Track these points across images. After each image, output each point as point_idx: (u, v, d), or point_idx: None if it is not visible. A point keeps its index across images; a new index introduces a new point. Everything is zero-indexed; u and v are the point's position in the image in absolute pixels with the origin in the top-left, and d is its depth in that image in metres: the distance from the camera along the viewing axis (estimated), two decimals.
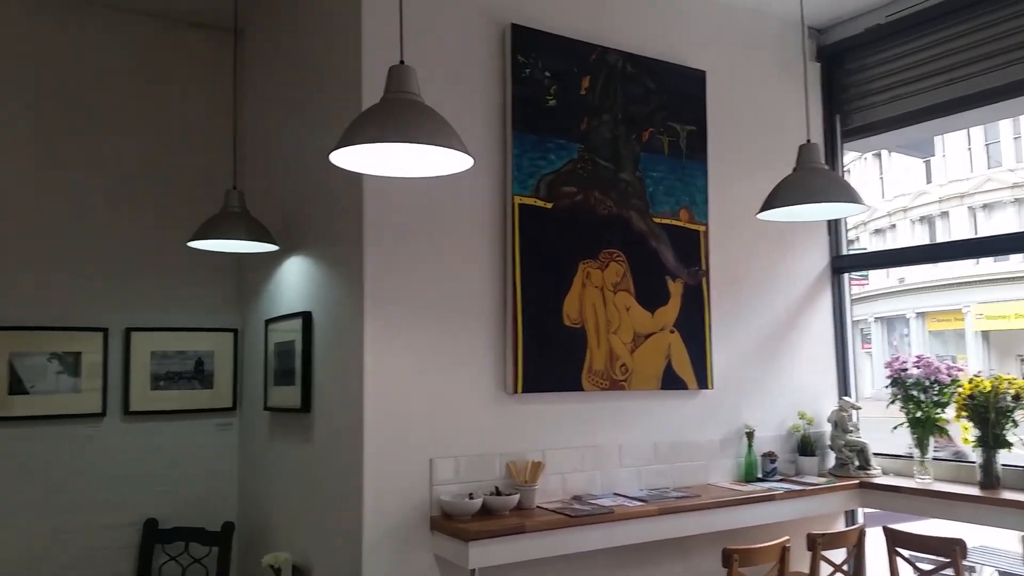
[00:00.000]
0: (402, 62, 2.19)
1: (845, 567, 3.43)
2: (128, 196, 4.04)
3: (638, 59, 3.64)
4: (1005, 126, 18.86)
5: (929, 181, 21.78)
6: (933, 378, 3.81)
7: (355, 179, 2.98)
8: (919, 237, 21.49)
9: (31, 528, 3.68)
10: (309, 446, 3.37)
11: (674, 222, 3.69)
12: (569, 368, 3.32)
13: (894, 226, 22.64)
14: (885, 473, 3.95)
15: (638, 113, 3.62)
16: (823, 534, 3.36)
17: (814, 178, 2.97)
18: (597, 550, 3.14)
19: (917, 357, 3.91)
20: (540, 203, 3.31)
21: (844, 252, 4.39)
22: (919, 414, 3.79)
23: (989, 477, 3.54)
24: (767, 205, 3.06)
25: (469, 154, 2.15)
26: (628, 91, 3.60)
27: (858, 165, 22.40)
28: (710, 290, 3.78)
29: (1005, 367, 16.11)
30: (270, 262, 3.86)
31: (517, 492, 3.08)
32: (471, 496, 3.00)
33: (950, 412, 3.76)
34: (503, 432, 3.20)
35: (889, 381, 3.97)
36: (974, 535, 4.10)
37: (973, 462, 3.65)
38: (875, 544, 3.57)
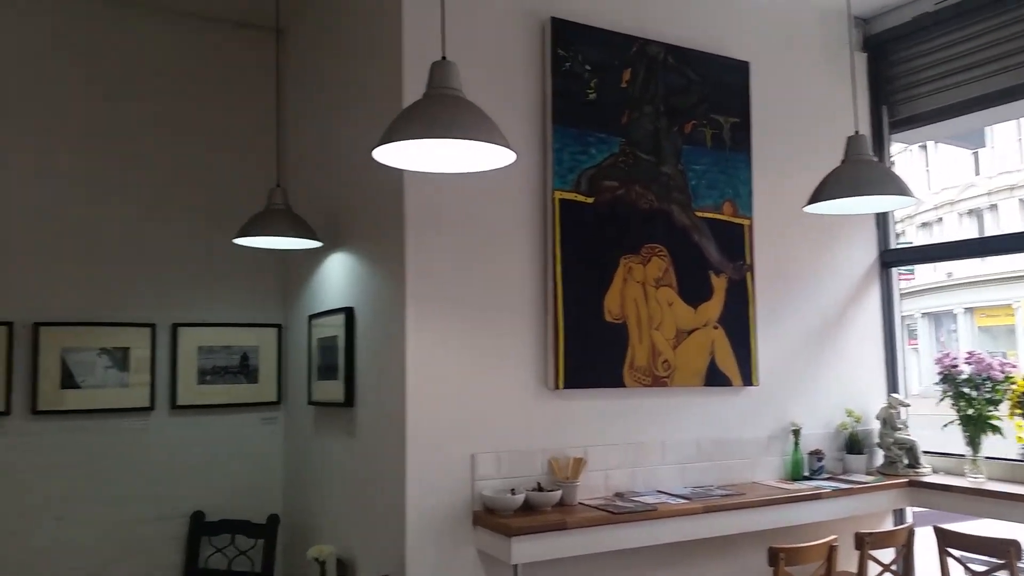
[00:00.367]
0: (444, 58, 2.19)
1: (894, 567, 3.36)
2: (175, 194, 4.11)
3: (680, 50, 3.59)
4: None
5: (978, 173, 21.24)
6: (985, 375, 3.71)
7: (396, 175, 2.99)
8: (967, 230, 20.98)
9: (84, 519, 3.78)
10: (352, 440, 3.40)
11: (717, 216, 3.64)
12: (610, 364, 3.30)
13: (941, 219, 22.13)
14: (935, 472, 3.86)
15: (680, 105, 3.58)
16: (871, 533, 3.29)
17: (863, 170, 2.91)
18: (640, 548, 3.12)
19: (968, 353, 3.81)
20: (581, 198, 3.28)
21: (892, 246, 4.30)
22: (971, 412, 3.70)
23: None
24: (815, 198, 3.01)
25: (511, 149, 2.14)
26: (670, 83, 3.56)
27: (903, 157, 21.93)
28: (755, 285, 3.72)
29: None
30: (313, 258, 3.90)
31: (559, 488, 3.06)
32: (513, 492, 2.99)
33: (1003, 409, 3.66)
34: (544, 428, 3.19)
35: (939, 378, 3.87)
36: None
37: None
38: (925, 544, 3.49)
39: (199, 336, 4.08)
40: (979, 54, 3.93)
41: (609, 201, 3.35)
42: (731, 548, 3.50)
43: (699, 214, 3.58)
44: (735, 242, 3.67)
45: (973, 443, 3.70)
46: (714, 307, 3.59)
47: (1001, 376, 3.68)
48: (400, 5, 3.03)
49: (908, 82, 4.24)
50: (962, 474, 3.71)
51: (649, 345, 3.39)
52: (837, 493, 3.48)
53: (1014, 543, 3.08)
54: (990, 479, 3.67)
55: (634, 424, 3.39)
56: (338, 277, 3.63)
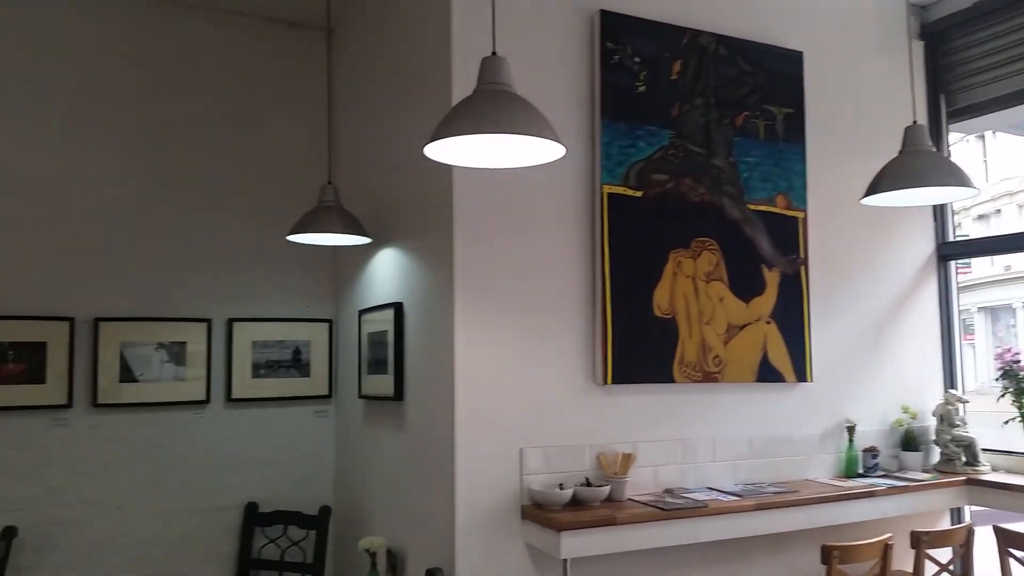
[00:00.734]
0: (494, 53, 2.19)
1: (951, 567, 3.28)
2: (230, 192, 4.19)
3: (731, 41, 3.54)
4: None
5: None
6: None
7: (445, 171, 3.00)
8: None
9: (143, 510, 3.88)
10: (402, 434, 3.43)
11: (770, 208, 3.58)
12: (660, 359, 3.27)
13: (999, 211, 21.45)
14: (995, 470, 3.75)
15: (732, 96, 3.52)
16: (928, 532, 3.22)
17: (921, 161, 2.85)
18: (690, 545, 3.09)
19: None
20: (629, 192, 3.26)
21: (950, 239, 4.18)
22: None
23: None
24: (872, 190, 2.95)
25: (561, 143, 2.13)
26: (721, 74, 3.51)
27: (961, 147, 21.32)
28: (809, 279, 3.65)
29: None
30: (363, 254, 3.94)
31: (608, 484, 3.05)
32: (561, 486, 2.99)
33: None
34: (593, 423, 3.17)
35: (999, 374, 3.76)
36: None
37: None
38: (984, 544, 3.39)
39: (253, 331, 4.16)
40: None
41: (658, 195, 3.32)
42: (783, 546, 3.45)
43: (751, 207, 3.53)
44: (789, 235, 3.61)
45: None
46: (767, 301, 3.53)
47: None
48: (449, 1, 3.04)
49: (966, 70, 4.12)
50: None
51: (699, 340, 3.36)
52: (892, 491, 3.41)
53: None
54: None
55: (684, 420, 3.36)
56: (387, 272, 3.66)
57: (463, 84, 2.95)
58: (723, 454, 3.43)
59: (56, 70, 3.88)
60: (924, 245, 4.10)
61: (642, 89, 3.31)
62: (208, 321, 4.06)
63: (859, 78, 3.96)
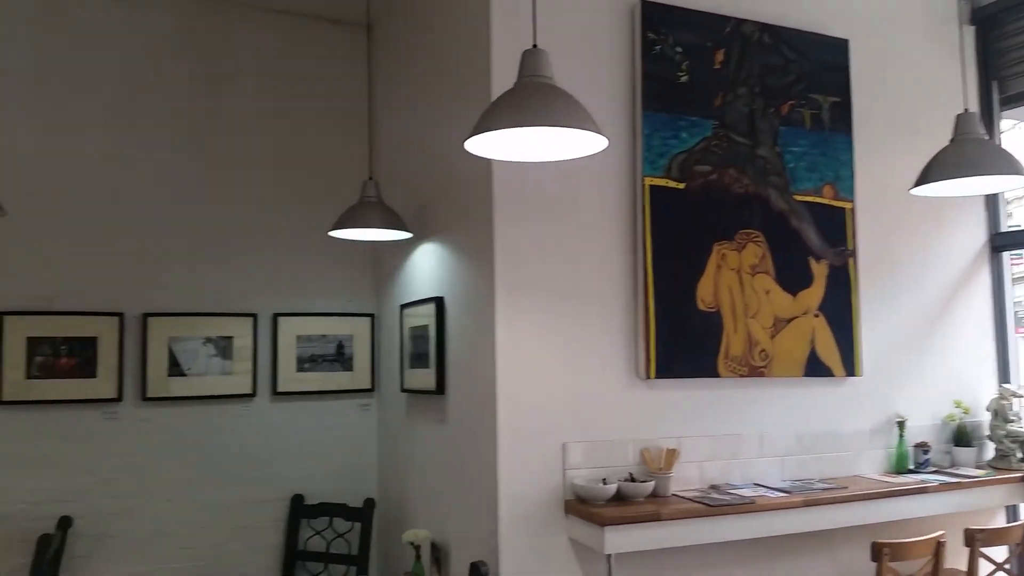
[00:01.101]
0: (535, 46, 2.17)
1: (1007, 566, 3.19)
2: (274, 189, 4.25)
3: (775, 29, 3.47)
4: None
5: None
6: None
7: (485, 165, 3.00)
8: None
9: (192, 501, 3.96)
10: (444, 427, 3.44)
11: (817, 199, 3.51)
12: (704, 354, 3.23)
13: None
14: None
15: (776, 86, 3.46)
16: (982, 530, 3.13)
17: (973, 150, 2.77)
18: (736, 541, 3.06)
19: None
20: (672, 183, 3.22)
21: (1003, 229, 4.06)
22: None
23: None
24: (922, 180, 2.88)
25: (603, 135, 2.11)
26: (765, 63, 3.44)
27: (1013, 134, 20.73)
28: (858, 271, 3.57)
29: None
30: (404, 249, 3.96)
31: (652, 479, 3.02)
32: (604, 481, 2.98)
33: None
34: (636, 418, 3.15)
35: None
36: None
37: None
38: None
39: (298, 325, 4.21)
40: None
41: (701, 186, 3.27)
42: (832, 543, 3.39)
43: (798, 198, 3.46)
44: (836, 227, 3.54)
45: None
46: (814, 294, 3.46)
47: None
48: None
49: (1019, 56, 3.99)
50: None
51: (745, 334, 3.31)
52: (945, 487, 3.32)
53: None
54: None
55: (730, 415, 3.31)
56: (428, 267, 3.67)
57: (503, 78, 2.94)
58: (770, 450, 3.38)
59: (104, 69, 3.96)
60: (976, 235, 3.99)
61: (684, 79, 3.27)
62: (254, 316, 4.12)
63: (907, 65, 3.86)
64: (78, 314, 3.79)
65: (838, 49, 3.61)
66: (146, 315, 3.92)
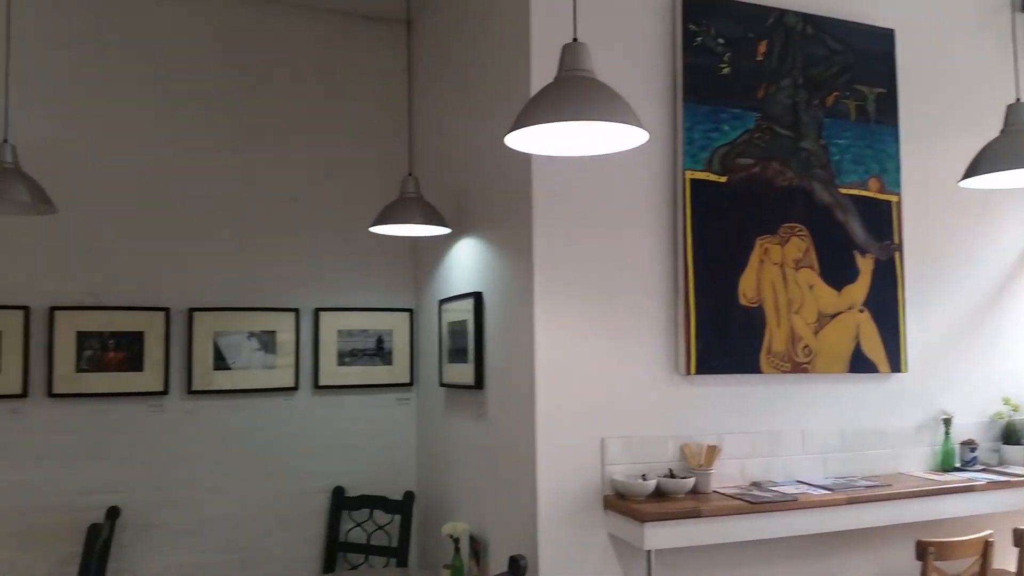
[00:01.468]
0: (575, 39, 2.16)
1: None
2: (315, 185, 4.29)
3: (819, 20, 3.41)
4: None
5: None
6: None
7: (523, 160, 2.99)
8: None
9: (237, 493, 4.03)
10: (483, 422, 3.45)
11: (863, 192, 3.44)
12: (746, 349, 3.19)
13: None
14: None
15: (820, 77, 3.40)
16: None
17: None
18: (777, 539, 3.03)
19: None
20: (713, 177, 3.18)
21: None
22: None
23: None
24: (971, 171, 2.82)
25: (644, 129, 2.09)
26: (809, 54, 3.39)
27: None
28: (904, 265, 3.51)
29: None
30: (442, 244, 3.98)
31: (692, 475, 3.01)
32: (644, 477, 2.96)
33: None
34: (676, 414, 3.13)
35: None
36: None
37: None
38: None
39: (339, 320, 4.26)
40: None
41: (744, 179, 3.23)
42: (875, 541, 3.34)
43: (842, 191, 3.40)
44: (882, 220, 3.47)
45: None
46: (859, 289, 3.41)
47: None
48: None
49: None
50: None
51: (788, 329, 3.26)
52: (992, 486, 3.25)
53: None
54: None
55: (772, 412, 3.28)
56: (466, 262, 3.68)
57: (542, 72, 2.94)
58: (813, 447, 3.33)
59: (148, 68, 4.03)
60: None
61: (726, 71, 3.23)
62: (296, 311, 4.18)
63: (956, 54, 3.77)
64: (125, 309, 3.87)
65: (884, 39, 3.54)
66: (192, 310, 3.99)
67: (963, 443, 3.54)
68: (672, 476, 3.00)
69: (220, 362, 4.02)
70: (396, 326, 4.37)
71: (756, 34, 3.29)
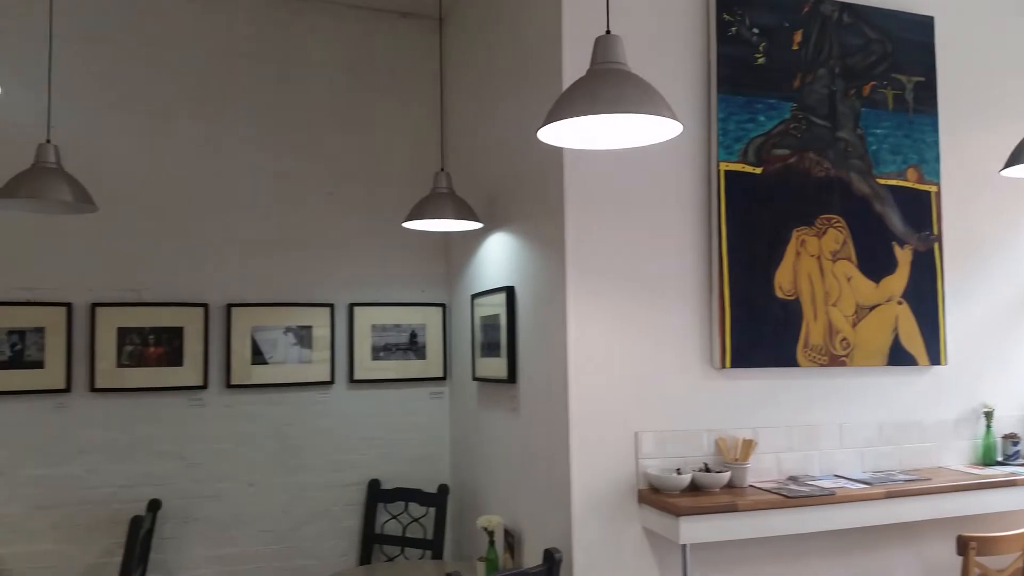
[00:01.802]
0: (608, 31, 2.15)
1: None
2: (349, 181, 4.33)
3: (856, 8, 3.35)
4: None
5: None
6: None
7: (555, 154, 2.99)
8: None
9: (275, 485, 4.09)
10: (516, 415, 3.46)
11: (901, 183, 3.39)
12: (782, 342, 3.16)
13: None
14: None
15: (857, 66, 3.35)
16: None
17: None
18: (814, 533, 2.99)
19: None
20: (748, 168, 3.15)
21: None
22: None
23: None
24: (1012, 161, 2.77)
25: (679, 120, 2.08)
26: (846, 43, 3.34)
27: None
28: (943, 256, 3.45)
29: None
30: (474, 239, 3.99)
31: (727, 469, 2.99)
32: (678, 471, 2.95)
33: None
34: (710, 408, 3.11)
35: None
36: None
37: None
38: None
39: (373, 315, 4.29)
40: None
41: (780, 171, 3.20)
42: (914, 536, 3.30)
43: (881, 181, 3.35)
44: (921, 211, 3.41)
45: None
46: (898, 281, 3.35)
47: None
48: None
49: None
50: None
51: (825, 322, 3.23)
52: None
53: None
54: None
55: (809, 405, 3.24)
56: (499, 257, 3.69)
57: (574, 66, 2.93)
58: (851, 440, 3.29)
59: (184, 68, 4.09)
60: None
61: (761, 61, 3.19)
62: (331, 306, 4.22)
63: (997, 42, 3.69)
64: (165, 305, 3.94)
65: (923, 27, 3.47)
66: (230, 305, 4.05)
67: (1005, 436, 3.48)
68: (707, 470, 2.98)
69: (258, 357, 4.08)
70: (429, 321, 4.39)
71: (791, 23, 3.25)
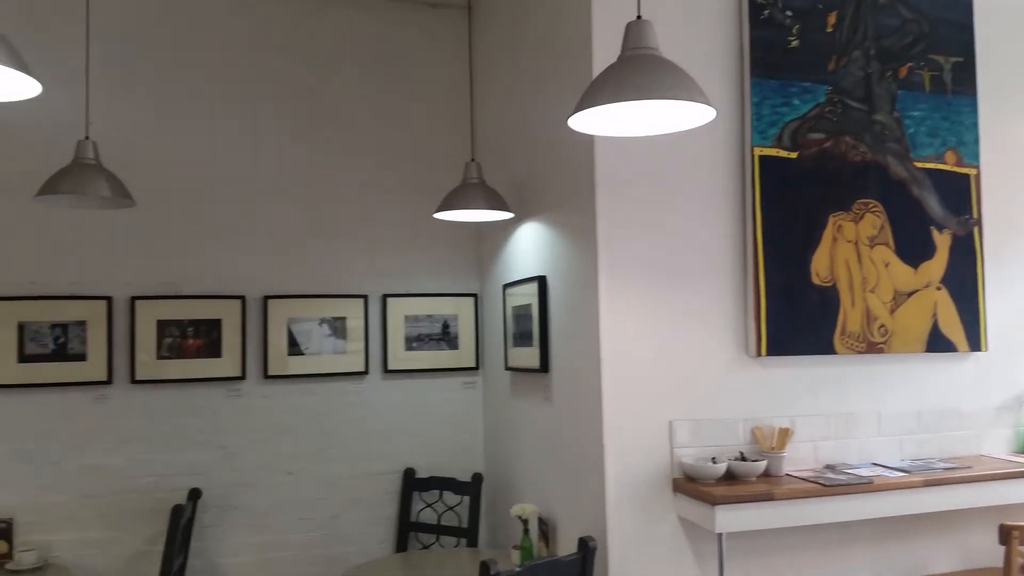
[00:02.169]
0: (639, 17, 2.14)
1: None
2: (381, 173, 4.35)
3: None
4: None
5: None
6: None
7: (586, 142, 2.98)
8: None
9: (312, 474, 4.14)
10: (549, 405, 3.47)
11: (939, 166, 3.33)
12: (819, 330, 3.12)
13: None
14: None
15: (894, 47, 3.29)
16: None
17: None
18: (852, 522, 2.97)
19: None
20: (783, 153, 3.11)
21: None
22: None
23: None
24: None
25: (712, 106, 2.06)
26: (881, 24, 3.27)
27: None
28: (983, 241, 3.38)
29: None
30: (506, 229, 3.99)
31: (763, 458, 2.97)
32: (714, 460, 2.94)
33: None
34: (746, 396, 3.09)
35: None
36: None
37: None
38: None
39: (405, 306, 4.32)
40: None
41: (815, 155, 3.15)
42: (954, 525, 3.25)
43: (918, 165, 3.29)
44: (960, 194, 3.35)
45: None
46: (937, 266, 3.30)
47: None
48: None
49: None
50: None
51: (863, 309, 3.18)
52: None
53: None
54: None
55: (846, 393, 3.21)
56: (530, 246, 3.69)
57: (604, 53, 2.91)
58: (889, 428, 3.25)
59: (217, 61, 4.13)
60: None
61: (795, 44, 3.15)
62: (364, 297, 4.25)
63: None
64: (203, 298, 4.00)
65: (961, 6, 3.40)
66: (266, 297, 4.10)
67: None
68: (743, 459, 2.97)
69: (294, 348, 4.13)
70: (461, 311, 4.41)
71: (825, 5, 3.20)
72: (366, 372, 4.24)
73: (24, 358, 3.75)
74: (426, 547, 4.25)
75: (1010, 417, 3.44)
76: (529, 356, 3.59)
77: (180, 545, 3.57)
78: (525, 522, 3.41)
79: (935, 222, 3.31)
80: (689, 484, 2.87)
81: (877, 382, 3.25)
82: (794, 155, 3.12)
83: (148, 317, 3.92)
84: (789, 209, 3.10)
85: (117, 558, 3.83)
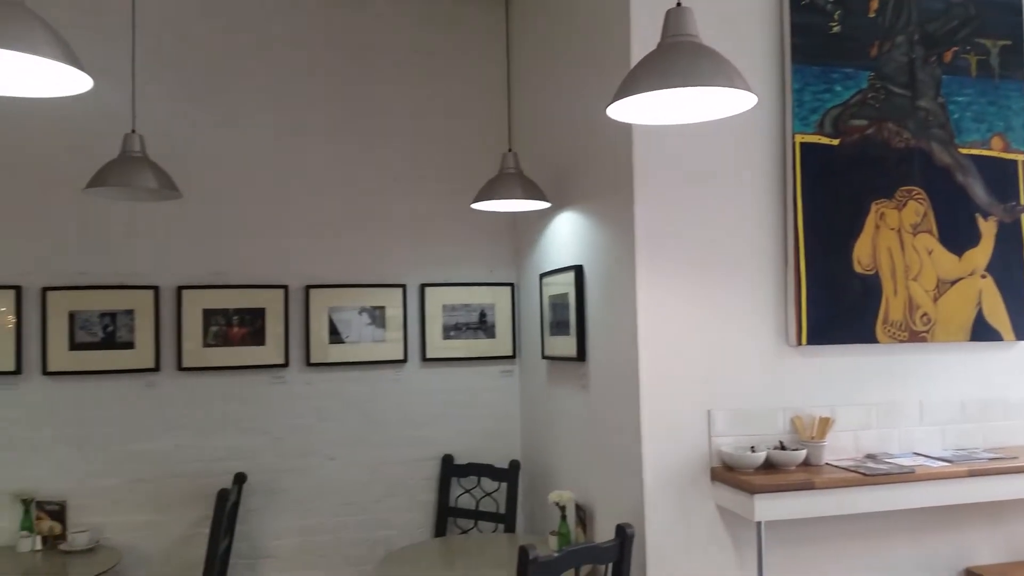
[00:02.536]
0: (679, 3, 2.13)
1: None
2: (419, 164, 4.39)
3: None
4: None
5: None
6: None
7: (624, 130, 2.97)
8: None
9: (352, 460, 4.22)
10: (586, 393, 3.48)
11: (985, 152, 3.26)
12: (861, 318, 3.09)
13: None
14: None
15: (938, 31, 3.23)
16: None
17: None
18: (892, 512, 2.95)
19: None
20: (825, 140, 3.08)
21: None
22: None
23: None
24: None
25: (752, 92, 2.05)
26: (925, 7, 3.22)
27: None
28: None
29: None
30: (542, 218, 4.00)
31: (803, 448, 2.95)
32: (752, 449, 2.93)
33: None
34: (785, 385, 3.07)
35: None
36: None
37: None
38: None
39: (443, 295, 4.37)
40: None
41: (857, 142, 3.11)
42: (998, 516, 3.21)
43: (963, 151, 3.23)
44: (1007, 180, 3.28)
45: None
46: (981, 254, 3.24)
47: None
48: None
49: None
50: None
51: (905, 297, 3.14)
52: None
53: None
54: None
55: (888, 382, 3.17)
56: (567, 236, 3.70)
57: (642, 41, 2.90)
58: (931, 418, 3.21)
59: (259, 55, 4.20)
60: None
61: (836, 29, 3.10)
62: (403, 286, 4.31)
63: None
64: (248, 287, 4.08)
65: None
66: (308, 287, 4.17)
67: None
68: (782, 448, 2.95)
69: (335, 336, 4.20)
70: (498, 300, 4.44)
71: None
72: (405, 360, 4.30)
73: (75, 346, 3.87)
74: (464, 532, 4.30)
75: None
76: (566, 345, 3.61)
77: (226, 528, 3.66)
78: (562, 508, 3.43)
79: (980, 209, 3.25)
80: (728, 473, 2.87)
81: (919, 371, 3.21)
82: (836, 142, 3.09)
83: (194, 306, 4.02)
84: (831, 196, 3.07)
85: (165, 540, 3.94)
